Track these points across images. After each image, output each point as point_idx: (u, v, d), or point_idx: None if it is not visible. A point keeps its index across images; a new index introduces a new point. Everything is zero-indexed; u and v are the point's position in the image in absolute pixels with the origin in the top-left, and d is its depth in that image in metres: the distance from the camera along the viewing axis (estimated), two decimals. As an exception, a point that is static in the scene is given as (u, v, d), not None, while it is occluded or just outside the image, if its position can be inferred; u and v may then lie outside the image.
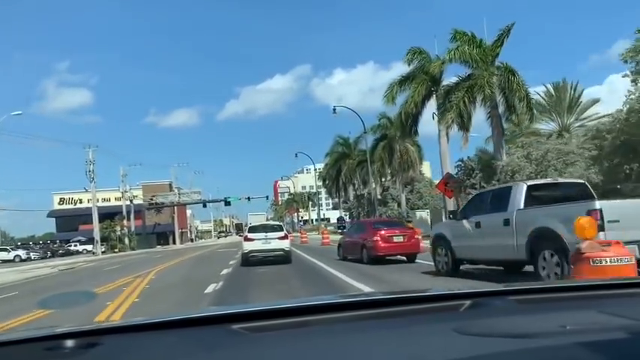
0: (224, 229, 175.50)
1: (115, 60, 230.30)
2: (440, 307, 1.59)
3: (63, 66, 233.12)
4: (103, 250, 56.93)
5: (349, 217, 62.49)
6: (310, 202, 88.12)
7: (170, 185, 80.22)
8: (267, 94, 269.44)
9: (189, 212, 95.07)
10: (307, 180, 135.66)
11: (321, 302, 1.71)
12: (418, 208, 42.13)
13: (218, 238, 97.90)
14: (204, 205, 74.28)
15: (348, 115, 74.22)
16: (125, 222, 63.35)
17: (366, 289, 10.19)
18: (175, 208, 79.68)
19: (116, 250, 59.10)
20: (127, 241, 62.71)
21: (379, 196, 49.30)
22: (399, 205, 43.38)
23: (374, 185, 41.90)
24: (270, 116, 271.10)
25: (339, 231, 67.52)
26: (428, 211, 38.71)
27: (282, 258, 17.31)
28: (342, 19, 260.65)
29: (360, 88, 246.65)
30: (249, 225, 22.47)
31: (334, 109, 41.53)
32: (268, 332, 1.38)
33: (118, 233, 59.15)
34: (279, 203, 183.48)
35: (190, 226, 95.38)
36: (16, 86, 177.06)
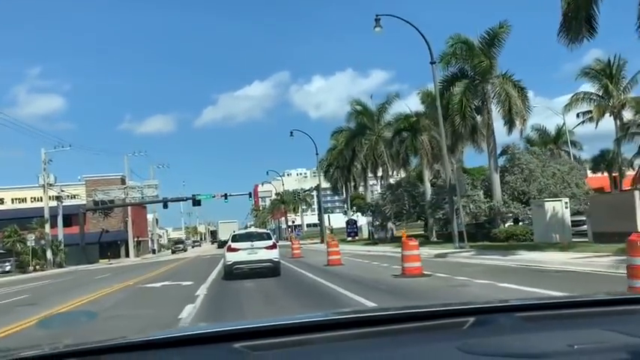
0: (198, 238, 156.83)
1: (89, 66, 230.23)
2: (444, 325, 1.57)
3: (34, 72, 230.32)
4: (8, 268, 37.85)
5: (373, 220, 44.02)
6: (303, 203, 70.04)
7: (123, 180, 61.07)
8: (245, 101, 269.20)
9: (150, 217, 75.75)
10: (291, 184, 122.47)
11: (323, 319, 1.72)
12: (528, 199, 24.12)
13: (173, 252, 67.84)
14: (165, 206, 55.50)
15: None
16: (48, 228, 44.20)
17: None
18: (129, 211, 60.51)
19: (30, 268, 39.88)
20: (49, 254, 43.48)
21: (433, 181, 31.47)
22: (489, 194, 25.45)
23: (445, 161, 23.81)
24: (248, 123, 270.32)
25: (349, 239, 49.58)
26: (565, 200, 20.78)
27: (270, 270, 15.62)
28: (321, 27, 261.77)
29: (338, 95, 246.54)
30: (233, 233, 18.28)
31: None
32: (271, 351, 1.39)
33: (31, 244, 39.85)
34: (260, 208, 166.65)
35: (152, 234, 76.00)
36: None
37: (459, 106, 23.81)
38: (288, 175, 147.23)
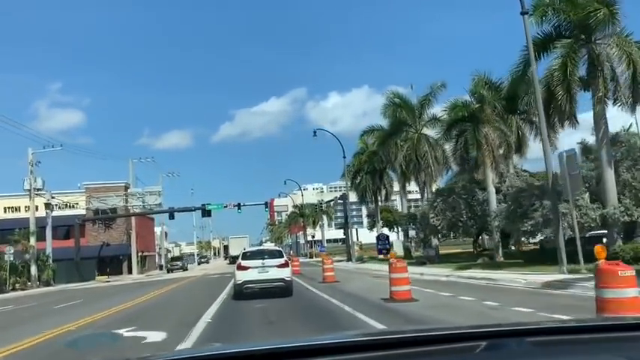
0: (212, 254, 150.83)
1: (108, 82, 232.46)
2: (455, 349, 1.57)
3: (55, 87, 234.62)
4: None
5: (417, 233, 37.05)
6: (325, 215, 63.19)
7: (126, 187, 55.09)
8: (261, 117, 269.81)
9: (158, 230, 69.69)
10: (308, 198, 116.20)
11: (335, 342, 1.71)
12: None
13: (169, 270, 56.91)
14: (172, 217, 49.17)
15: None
16: (34, 241, 38.09)
17: None
18: (133, 222, 54.40)
19: (7, 286, 33.66)
20: (33, 270, 37.30)
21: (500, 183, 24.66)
22: (594, 197, 18.41)
23: (546, 147, 16.98)
24: (264, 139, 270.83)
25: (381, 256, 42.64)
26: None
27: (282, 290, 14.82)
28: (339, 45, 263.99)
29: (353, 112, 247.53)
30: (243, 251, 18.16)
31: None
32: None
33: (9, 258, 33.67)
34: (276, 223, 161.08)
35: (159, 249, 69.79)
36: (8, 107, 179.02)
37: (561, 73, 17.05)
38: (304, 189, 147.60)
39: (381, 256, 41.75)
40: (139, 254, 57.93)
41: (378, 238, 42.27)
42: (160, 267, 66.59)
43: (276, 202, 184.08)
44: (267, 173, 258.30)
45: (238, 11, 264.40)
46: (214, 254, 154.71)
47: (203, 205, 46.88)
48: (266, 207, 47.86)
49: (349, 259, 41.74)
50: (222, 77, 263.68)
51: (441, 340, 1.66)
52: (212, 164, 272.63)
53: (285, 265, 15.34)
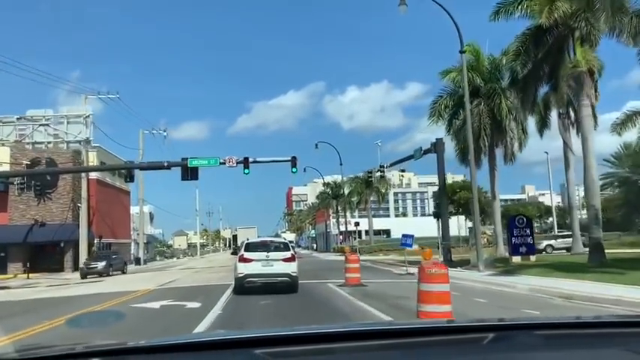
0: (221, 244, 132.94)
1: (127, 72, 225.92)
2: (463, 339, 1.58)
3: (74, 75, 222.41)
4: None
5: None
6: (375, 193, 42.86)
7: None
8: (278, 110, 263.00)
9: (134, 211, 50.33)
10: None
11: (343, 330, 1.71)
12: None
13: (84, 276, 28.60)
14: (129, 178, 29.22)
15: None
16: None
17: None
18: (84, 188, 34.81)
19: None
20: None
21: None
22: None
23: None
24: (280, 132, 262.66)
25: (518, 258, 22.40)
26: None
27: (287, 286, 13.86)
28: (360, 39, 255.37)
29: (371, 107, 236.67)
30: (246, 242, 15.79)
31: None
32: (290, 358, 1.41)
33: None
34: (294, 213, 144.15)
35: (137, 234, 50.25)
36: (27, 94, 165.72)
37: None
38: (314, 183, 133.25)
39: (519, 259, 21.52)
40: (97, 241, 38.48)
41: (511, 225, 21.90)
42: (137, 260, 47.11)
43: (295, 190, 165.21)
44: (281, 166, 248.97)
45: (260, 4, 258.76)
46: (225, 245, 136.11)
47: (184, 159, 27.10)
48: (293, 166, 27.87)
49: (448, 260, 21.78)
50: (242, 69, 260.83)
51: (450, 330, 1.69)
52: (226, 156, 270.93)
53: (292, 259, 14.25)
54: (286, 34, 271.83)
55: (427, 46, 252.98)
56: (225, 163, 27.51)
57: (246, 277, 13.83)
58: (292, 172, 27.91)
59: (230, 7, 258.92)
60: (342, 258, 42.93)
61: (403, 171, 45.94)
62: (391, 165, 30.16)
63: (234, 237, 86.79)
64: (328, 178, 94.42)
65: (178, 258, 72.32)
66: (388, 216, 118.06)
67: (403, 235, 21.60)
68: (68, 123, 26.25)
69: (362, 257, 41.90)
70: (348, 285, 15.12)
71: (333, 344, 1.45)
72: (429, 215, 59.76)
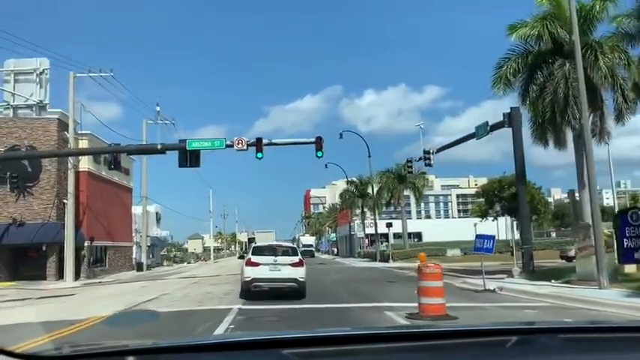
0: (238, 248, 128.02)
1: (144, 76, 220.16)
2: (487, 342, 1.57)
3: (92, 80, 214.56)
4: None
5: None
6: (411, 190, 36.76)
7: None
8: (295, 114, 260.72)
9: (136, 210, 45.01)
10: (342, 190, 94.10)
11: (368, 332, 1.75)
12: None
13: None
14: (114, 165, 23.66)
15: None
16: None
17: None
18: (71, 180, 29.43)
19: None
20: None
21: None
22: None
23: None
24: (296, 136, 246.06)
25: None
26: None
27: (294, 291, 13.75)
28: (377, 43, 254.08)
29: (388, 110, 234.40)
30: (254, 245, 16.32)
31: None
32: (317, 359, 1.43)
33: None
34: (312, 215, 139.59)
35: (139, 236, 44.80)
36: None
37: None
38: (333, 185, 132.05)
39: (633, 267, 15.37)
40: (88, 244, 33.10)
41: (623, 220, 15.71)
42: (139, 266, 41.68)
43: (313, 192, 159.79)
44: (297, 170, 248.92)
45: (277, 9, 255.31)
46: (242, 249, 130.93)
47: (182, 141, 21.46)
48: (318, 150, 22.02)
49: (530, 270, 15.69)
50: (259, 74, 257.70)
51: (474, 333, 1.67)
52: (242, 161, 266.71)
53: (300, 264, 14.09)
54: (303, 37, 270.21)
55: (445, 50, 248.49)
56: (232, 146, 21.80)
57: (253, 281, 13.71)
58: (317, 156, 22.13)
59: (249, 11, 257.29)
60: (373, 265, 36.96)
61: (424, 173, 39.81)
62: (442, 149, 24.20)
63: (250, 241, 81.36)
64: (345, 184, 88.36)
65: (189, 263, 66.90)
66: (410, 219, 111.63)
67: (478, 237, 15.49)
68: (16, 82, 20.69)
69: (397, 264, 35.91)
70: (424, 316, 9.20)
71: (358, 346, 1.47)
72: (456, 217, 53.40)
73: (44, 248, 29.88)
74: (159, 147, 21.28)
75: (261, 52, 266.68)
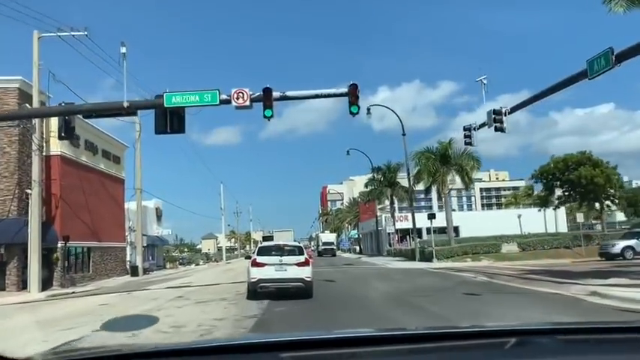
0: (250, 247, 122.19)
1: (158, 77, 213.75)
2: (486, 344, 1.57)
3: (108, 83, 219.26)
4: None
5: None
6: (459, 174, 30.03)
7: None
8: (308, 113, 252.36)
9: (129, 206, 38.77)
10: (359, 188, 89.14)
11: (368, 334, 1.75)
12: None
13: None
14: (64, 133, 17.27)
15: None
16: None
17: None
18: (36, 165, 23.37)
19: None
20: None
21: None
22: None
23: None
24: (310, 135, 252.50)
25: None
26: None
27: (301, 291, 13.63)
28: (391, 40, 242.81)
29: (403, 107, 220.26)
30: (260, 245, 16.44)
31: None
32: None
33: None
34: (330, 212, 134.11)
35: (132, 234, 38.56)
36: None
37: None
38: (351, 180, 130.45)
39: None
40: (62, 245, 26.89)
41: None
42: (134, 270, 35.48)
43: (330, 188, 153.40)
44: (312, 169, 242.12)
45: (290, 6, 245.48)
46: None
47: (158, 96, 15.09)
48: (352, 105, 15.43)
49: None
50: (273, 72, 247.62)
51: (474, 335, 1.67)
52: (259, 161, 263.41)
53: (306, 263, 13.97)
54: (315, 34, 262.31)
55: (460, 45, 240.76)
56: (230, 102, 15.27)
57: (259, 282, 13.69)
58: (351, 112, 15.70)
59: (261, 8, 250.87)
60: (413, 265, 30.27)
61: (468, 154, 33.23)
62: (524, 103, 17.39)
63: (264, 239, 75.09)
64: (363, 179, 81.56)
65: (197, 264, 60.68)
66: (434, 212, 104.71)
67: None
68: None
69: (444, 264, 29.19)
70: None
71: (358, 349, 1.47)
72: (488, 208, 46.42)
73: (2, 251, 23.77)
74: (125, 105, 14.84)
75: (273, 50, 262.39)
